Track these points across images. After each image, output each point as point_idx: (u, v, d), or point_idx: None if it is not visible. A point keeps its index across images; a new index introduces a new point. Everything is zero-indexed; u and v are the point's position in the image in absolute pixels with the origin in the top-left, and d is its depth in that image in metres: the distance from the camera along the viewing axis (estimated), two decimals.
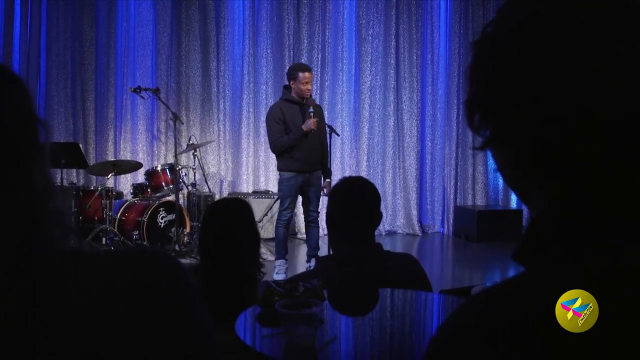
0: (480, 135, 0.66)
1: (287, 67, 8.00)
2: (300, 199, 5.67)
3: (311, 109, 5.31)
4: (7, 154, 0.71)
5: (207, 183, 7.38)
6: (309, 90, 5.38)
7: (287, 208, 5.53)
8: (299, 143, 5.31)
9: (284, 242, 5.63)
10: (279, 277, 5.43)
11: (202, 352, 0.83)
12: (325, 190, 5.58)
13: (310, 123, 5.25)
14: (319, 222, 5.78)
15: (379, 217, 2.28)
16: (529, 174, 0.63)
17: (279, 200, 7.41)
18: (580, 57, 0.57)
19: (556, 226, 0.60)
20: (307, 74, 5.36)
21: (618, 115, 0.56)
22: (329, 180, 5.64)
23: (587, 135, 0.57)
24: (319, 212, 5.69)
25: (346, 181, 2.39)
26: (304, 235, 7.33)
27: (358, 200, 2.24)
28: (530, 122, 0.60)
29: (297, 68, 5.46)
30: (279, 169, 5.54)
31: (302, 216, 6.66)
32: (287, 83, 5.54)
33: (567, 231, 0.59)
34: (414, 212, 8.54)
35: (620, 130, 0.56)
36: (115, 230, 6.27)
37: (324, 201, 5.66)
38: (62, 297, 0.73)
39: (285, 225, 5.59)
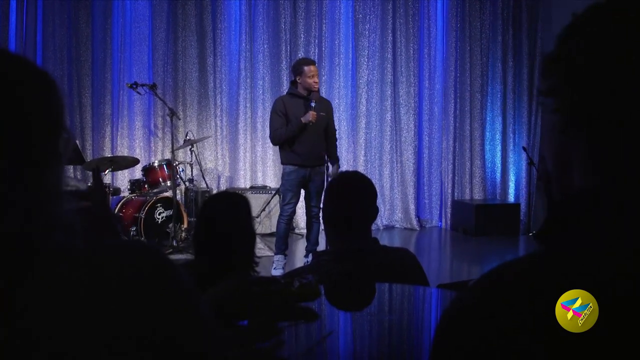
0: (545, 83, 0.68)
1: (284, 62, 8.10)
2: (303, 194, 5.67)
3: (313, 102, 5.31)
4: (27, 155, 0.74)
5: (204, 179, 7.37)
6: (317, 82, 5.42)
7: (288, 202, 5.52)
8: (300, 136, 5.32)
9: (284, 238, 5.61)
10: (277, 272, 5.42)
11: (197, 338, 0.84)
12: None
13: (309, 115, 5.24)
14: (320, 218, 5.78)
15: (375, 211, 2.27)
16: (581, 142, 0.64)
17: (277, 196, 7.46)
18: None
19: (582, 211, 0.60)
20: (312, 67, 5.40)
21: None
22: (337, 166, 5.66)
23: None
24: (320, 208, 5.68)
25: (342, 176, 2.38)
26: (302, 231, 7.34)
27: (354, 195, 2.23)
28: (606, 101, 0.61)
29: (302, 62, 5.48)
30: (281, 162, 5.57)
31: (301, 211, 6.66)
32: (292, 79, 5.55)
33: (591, 218, 0.59)
34: (412, 207, 8.55)
35: None
36: None
37: None
38: (54, 297, 0.74)
39: (287, 221, 5.57)
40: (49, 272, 0.76)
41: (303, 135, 5.33)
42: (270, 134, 5.52)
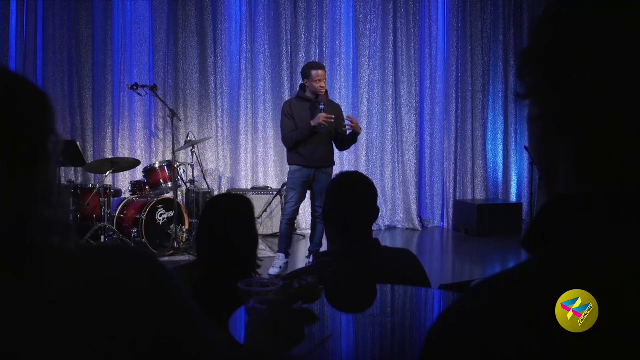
0: (522, 83, 0.64)
1: (285, 63, 8.10)
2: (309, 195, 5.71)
3: (322, 105, 5.33)
4: (19, 156, 0.76)
5: (205, 180, 7.36)
6: (323, 87, 5.47)
7: (289, 201, 5.57)
8: (309, 138, 5.35)
9: (285, 238, 5.63)
10: (274, 271, 5.43)
11: (190, 339, 0.85)
12: (349, 122, 5.47)
13: (318, 118, 5.26)
14: None
15: (376, 212, 2.26)
16: (565, 148, 0.61)
17: (278, 196, 7.46)
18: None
19: (569, 213, 0.58)
20: (320, 71, 5.45)
21: None
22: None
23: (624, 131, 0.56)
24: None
25: (343, 176, 2.37)
26: (304, 231, 7.34)
27: (355, 195, 2.22)
28: (585, 102, 0.58)
29: (310, 66, 5.56)
30: (288, 162, 5.67)
31: (302, 212, 6.67)
32: (302, 82, 5.62)
33: (578, 220, 0.57)
34: (414, 207, 8.54)
35: None
36: (114, 228, 6.25)
37: None
38: (46, 297, 0.75)
39: (289, 222, 5.59)
40: (40, 272, 0.76)
41: (310, 136, 5.36)
42: (282, 137, 5.62)
